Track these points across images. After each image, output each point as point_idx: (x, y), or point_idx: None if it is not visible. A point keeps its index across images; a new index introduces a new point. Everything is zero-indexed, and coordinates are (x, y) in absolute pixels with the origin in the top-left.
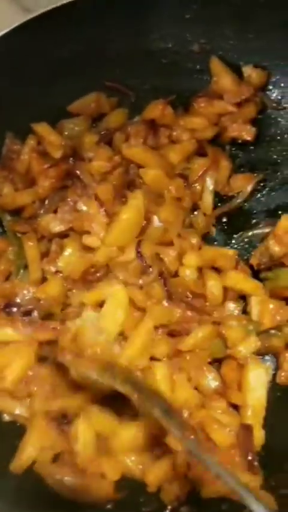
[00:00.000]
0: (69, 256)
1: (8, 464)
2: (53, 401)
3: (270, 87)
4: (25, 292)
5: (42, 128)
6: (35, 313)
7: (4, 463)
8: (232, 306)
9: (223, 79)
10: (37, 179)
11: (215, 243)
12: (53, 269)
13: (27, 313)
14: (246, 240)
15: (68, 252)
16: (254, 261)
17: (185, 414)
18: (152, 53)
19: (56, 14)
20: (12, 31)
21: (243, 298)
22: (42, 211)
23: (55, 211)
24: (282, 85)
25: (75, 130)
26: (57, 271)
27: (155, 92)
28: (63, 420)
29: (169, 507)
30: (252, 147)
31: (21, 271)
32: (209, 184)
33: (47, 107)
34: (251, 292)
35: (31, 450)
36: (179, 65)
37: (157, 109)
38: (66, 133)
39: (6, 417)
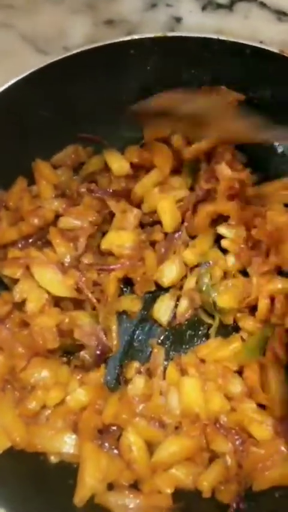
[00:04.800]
0: None
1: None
2: (99, 417)
3: None
4: None
5: (42, 165)
6: None
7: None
8: None
9: None
10: (26, 217)
11: None
12: None
13: None
14: None
15: None
16: None
17: (223, 419)
18: (121, 103)
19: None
20: None
21: None
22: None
23: None
24: None
25: (60, 180)
26: None
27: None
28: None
29: (233, 505)
30: None
31: None
32: None
33: (29, 163)
34: None
35: (89, 480)
36: None
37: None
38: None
39: (53, 459)
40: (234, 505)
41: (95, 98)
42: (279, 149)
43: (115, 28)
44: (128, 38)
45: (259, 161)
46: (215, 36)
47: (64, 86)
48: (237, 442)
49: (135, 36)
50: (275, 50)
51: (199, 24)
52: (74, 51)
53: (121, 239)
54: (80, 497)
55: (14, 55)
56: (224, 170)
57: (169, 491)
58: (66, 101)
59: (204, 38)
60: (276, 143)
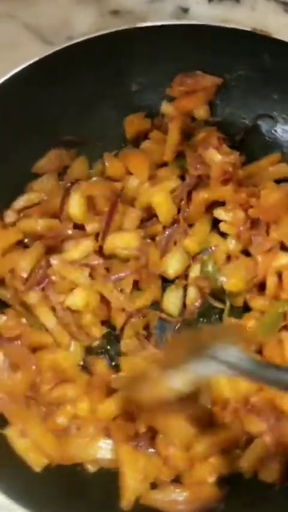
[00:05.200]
0: None
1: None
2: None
3: None
4: None
5: None
6: None
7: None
8: None
9: None
10: None
11: None
12: None
13: None
14: None
15: None
16: None
17: (254, 399)
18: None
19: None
20: None
21: None
22: None
23: None
24: None
25: (46, 188)
26: None
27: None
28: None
29: (277, 484)
30: None
31: None
32: None
33: (10, 174)
34: None
35: (131, 482)
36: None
37: None
38: (42, 194)
39: (91, 469)
40: (279, 483)
41: (75, 97)
42: (264, 128)
43: (122, 18)
44: (108, 31)
45: (244, 142)
46: (191, 23)
47: (38, 89)
48: (271, 420)
49: (119, 28)
50: (247, 29)
51: (206, 15)
52: (58, 48)
53: (124, 241)
54: (126, 501)
55: (18, 46)
56: (213, 155)
57: (212, 479)
58: (44, 104)
59: (182, 25)
60: (259, 122)
